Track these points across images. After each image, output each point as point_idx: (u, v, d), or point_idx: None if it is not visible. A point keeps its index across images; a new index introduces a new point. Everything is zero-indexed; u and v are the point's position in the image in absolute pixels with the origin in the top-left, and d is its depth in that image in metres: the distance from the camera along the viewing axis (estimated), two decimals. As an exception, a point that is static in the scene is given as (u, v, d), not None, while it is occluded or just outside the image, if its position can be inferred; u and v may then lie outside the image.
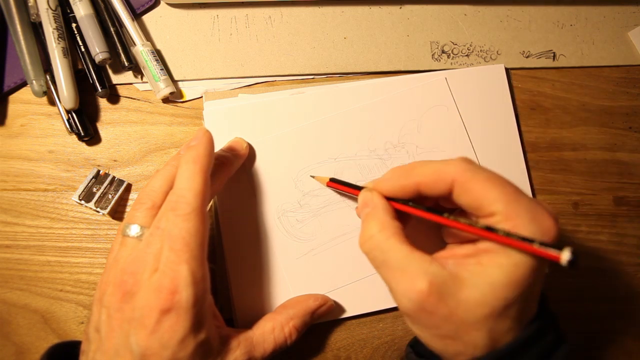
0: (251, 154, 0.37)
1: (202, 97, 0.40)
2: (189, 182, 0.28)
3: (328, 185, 0.36)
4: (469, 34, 0.42)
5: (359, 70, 0.41)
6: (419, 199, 0.30)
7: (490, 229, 0.26)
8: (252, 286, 0.36)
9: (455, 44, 0.42)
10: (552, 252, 0.24)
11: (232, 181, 0.37)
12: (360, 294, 0.37)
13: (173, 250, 0.26)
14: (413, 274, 0.26)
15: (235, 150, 0.36)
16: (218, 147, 0.35)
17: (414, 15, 0.42)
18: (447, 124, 0.39)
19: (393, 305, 0.37)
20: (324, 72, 0.41)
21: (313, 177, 0.37)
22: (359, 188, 0.33)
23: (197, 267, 0.27)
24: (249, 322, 0.33)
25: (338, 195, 0.37)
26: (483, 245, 0.27)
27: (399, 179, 0.29)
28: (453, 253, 0.28)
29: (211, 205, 0.38)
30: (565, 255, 0.24)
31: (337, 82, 0.40)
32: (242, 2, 0.41)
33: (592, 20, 0.43)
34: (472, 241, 0.28)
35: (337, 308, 0.37)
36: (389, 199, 0.30)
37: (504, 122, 0.40)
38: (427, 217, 0.29)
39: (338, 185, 0.35)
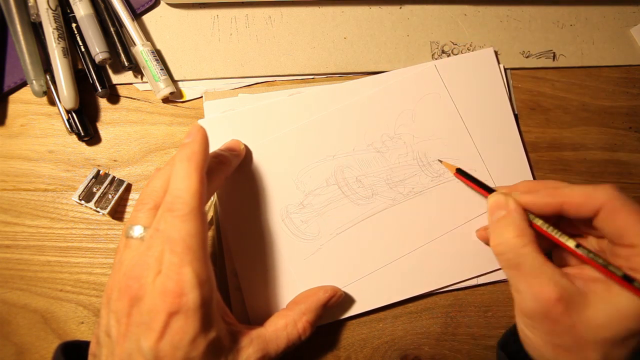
0: (250, 158, 0.37)
1: (202, 97, 0.40)
2: (185, 182, 0.27)
3: (455, 176, 0.37)
4: (469, 34, 0.42)
5: (359, 70, 0.41)
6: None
7: (627, 277, 0.27)
8: (263, 289, 0.36)
9: (455, 44, 0.42)
10: None
11: (233, 187, 0.37)
12: (372, 288, 0.37)
13: (174, 253, 0.26)
14: (545, 281, 0.28)
15: (233, 149, 0.35)
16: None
17: (414, 15, 0.42)
18: (441, 111, 0.39)
19: (404, 297, 0.37)
20: (324, 72, 0.41)
21: (441, 161, 0.38)
22: (488, 189, 0.35)
23: (200, 268, 0.26)
24: (262, 321, 0.33)
25: (339, 192, 0.37)
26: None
27: (545, 196, 0.31)
28: (581, 273, 0.30)
29: (211, 208, 0.38)
30: None
31: (337, 82, 0.40)
32: (242, 2, 0.41)
33: (592, 20, 0.43)
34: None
35: (351, 304, 0.37)
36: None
37: (499, 105, 0.40)
38: (562, 244, 0.30)
39: (465, 179, 0.37)
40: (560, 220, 0.33)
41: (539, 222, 0.31)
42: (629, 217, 0.27)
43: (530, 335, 0.30)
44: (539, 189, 0.32)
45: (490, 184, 0.38)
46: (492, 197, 0.33)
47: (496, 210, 0.32)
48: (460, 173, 0.37)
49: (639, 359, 0.27)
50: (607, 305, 0.27)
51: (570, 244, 0.30)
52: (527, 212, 0.32)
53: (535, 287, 0.28)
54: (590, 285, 0.28)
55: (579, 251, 0.29)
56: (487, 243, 0.36)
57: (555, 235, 0.30)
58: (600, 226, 0.29)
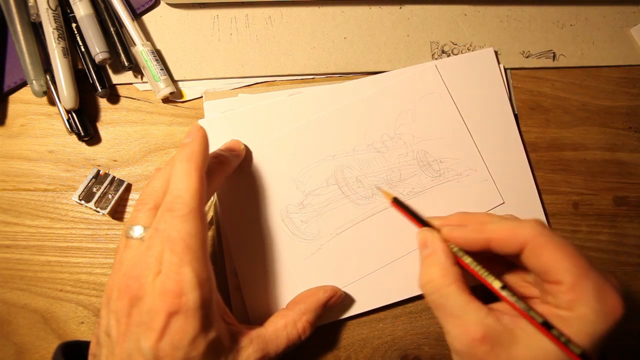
0: (250, 158, 0.37)
1: (202, 97, 0.40)
2: (184, 182, 0.27)
3: (392, 205, 0.36)
4: (469, 34, 0.42)
5: (359, 70, 0.41)
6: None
7: (546, 324, 0.27)
8: (263, 289, 0.36)
9: (455, 44, 0.42)
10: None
11: (233, 187, 0.37)
12: (372, 288, 0.37)
13: (174, 253, 0.26)
14: (469, 323, 0.27)
15: (233, 149, 0.35)
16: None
17: (414, 15, 0.42)
18: (442, 111, 0.39)
19: (404, 297, 0.37)
20: (324, 72, 0.41)
21: (379, 189, 0.37)
22: (422, 221, 0.34)
23: (200, 268, 0.26)
24: (262, 321, 0.33)
25: (339, 192, 0.37)
26: (541, 308, 0.28)
27: (471, 232, 0.30)
28: (510, 308, 0.29)
29: (211, 208, 0.38)
30: None
31: (337, 82, 0.40)
32: (242, 2, 0.41)
33: (592, 20, 0.43)
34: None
35: (351, 304, 0.37)
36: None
37: (499, 105, 0.40)
38: (487, 285, 0.30)
39: (401, 209, 0.35)
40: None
41: (467, 260, 0.30)
42: (553, 253, 0.27)
43: None
44: (469, 222, 0.31)
45: (491, 184, 0.38)
46: (420, 233, 0.32)
47: (423, 248, 0.32)
48: (397, 203, 0.35)
49: None
50: (533, 342, 0.27)
51: (496, 285, 0.29)
52: (458, 248, 0.31)
53: (459, 327, 0.28)
54: (518, 321, 0.28)
55: (503, 293, 0.29)
56: None
57: (482, 275, 0.30)
58: (526, 262, 0.29)
